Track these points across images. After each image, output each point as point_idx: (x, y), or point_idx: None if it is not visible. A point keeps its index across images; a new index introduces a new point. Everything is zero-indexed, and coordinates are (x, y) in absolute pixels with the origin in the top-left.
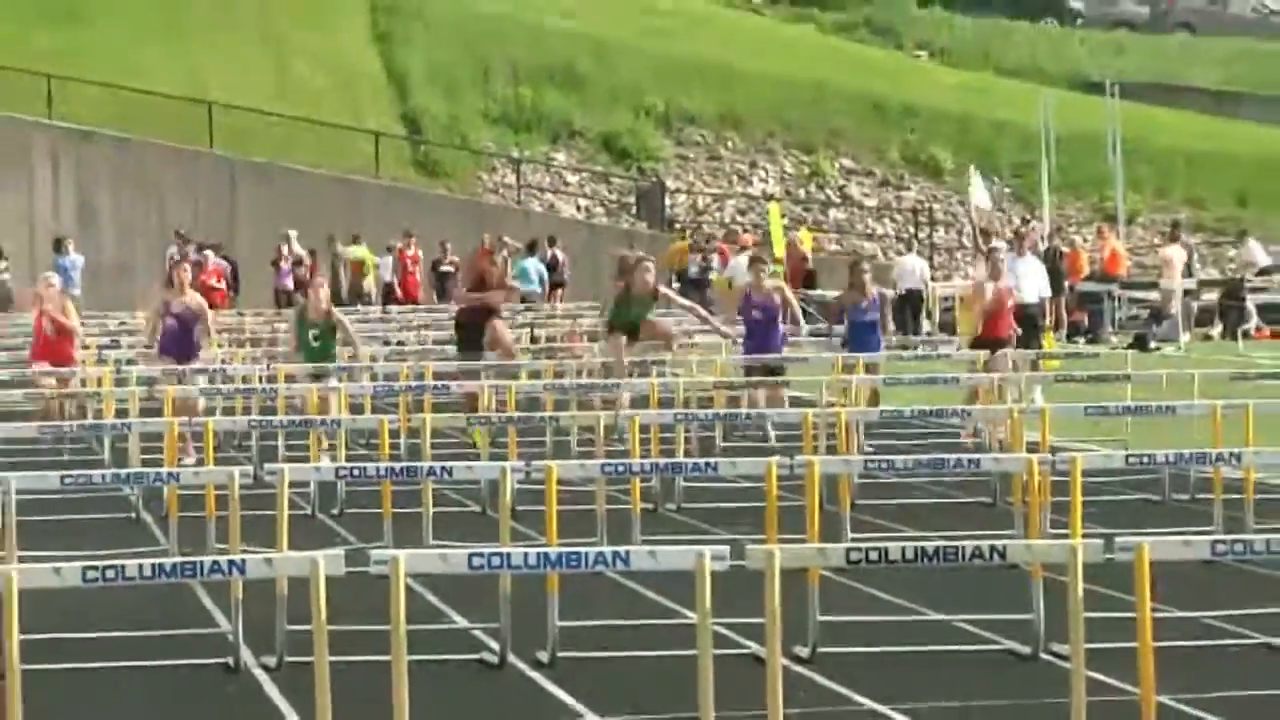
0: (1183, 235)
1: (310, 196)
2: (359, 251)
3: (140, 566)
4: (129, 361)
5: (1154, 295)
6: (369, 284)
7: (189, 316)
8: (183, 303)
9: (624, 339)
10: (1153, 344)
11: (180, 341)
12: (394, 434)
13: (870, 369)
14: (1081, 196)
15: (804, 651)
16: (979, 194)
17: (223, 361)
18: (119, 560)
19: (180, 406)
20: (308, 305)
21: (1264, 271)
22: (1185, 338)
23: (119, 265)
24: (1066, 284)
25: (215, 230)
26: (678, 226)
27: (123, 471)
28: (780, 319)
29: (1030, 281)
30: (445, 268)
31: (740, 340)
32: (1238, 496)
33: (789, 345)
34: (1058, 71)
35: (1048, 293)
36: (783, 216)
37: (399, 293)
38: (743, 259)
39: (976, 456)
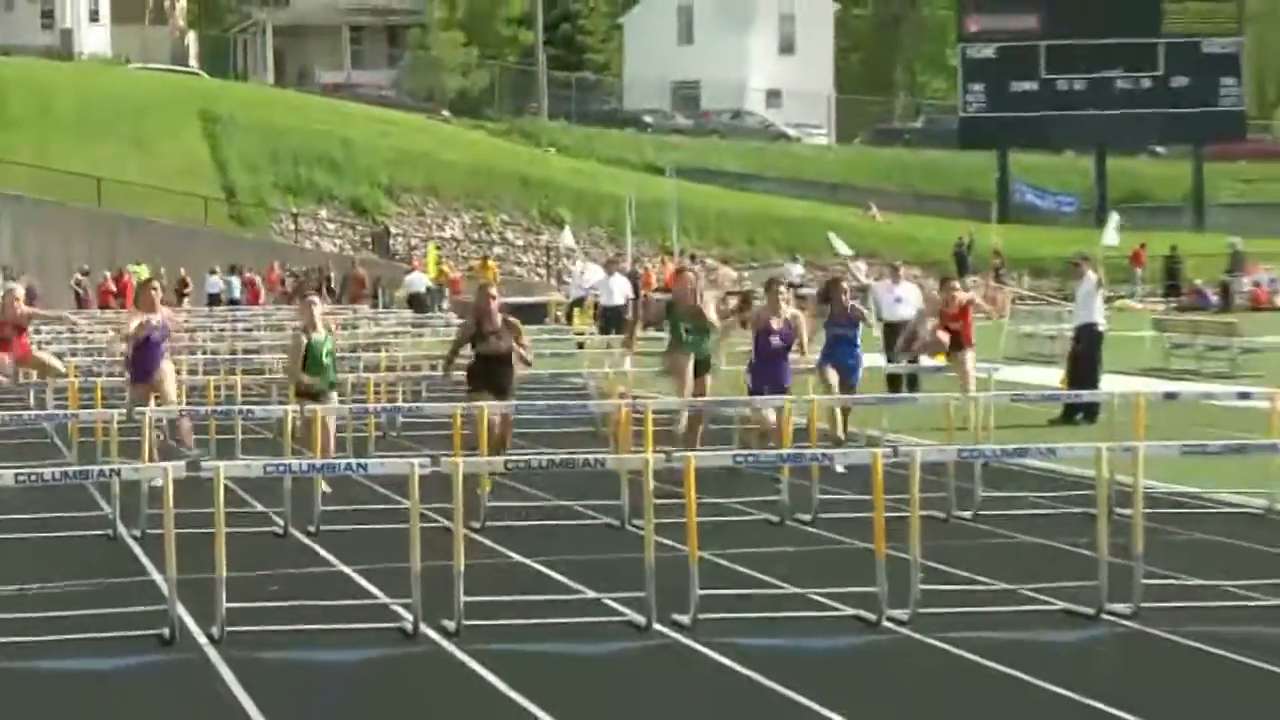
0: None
1: (162, 239)
2: (145, 271)
3: (52, 473)
4: (47, 343)
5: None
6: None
7: (166, 332)
8: (160, 319)
9: (687, 361)
10: None
11: (152, 360)
12: (216, 388)
13: None
14: (651, 239)
15: (477, 525)
16: (567, 237)
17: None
18: (38, 469)
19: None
20: (308, 325)
21: (796, 285)
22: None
23: (38, 287)
24: (643, 293)
25: (100, 261)
26: (398, 257)
27: (41, 413)
28: (792, 348)
29: (619, 290)
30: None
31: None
32: (753, 426)
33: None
34: (637, 161)
35: (632, 296)
36: (439, 252)
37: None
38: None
39: (585, 402)
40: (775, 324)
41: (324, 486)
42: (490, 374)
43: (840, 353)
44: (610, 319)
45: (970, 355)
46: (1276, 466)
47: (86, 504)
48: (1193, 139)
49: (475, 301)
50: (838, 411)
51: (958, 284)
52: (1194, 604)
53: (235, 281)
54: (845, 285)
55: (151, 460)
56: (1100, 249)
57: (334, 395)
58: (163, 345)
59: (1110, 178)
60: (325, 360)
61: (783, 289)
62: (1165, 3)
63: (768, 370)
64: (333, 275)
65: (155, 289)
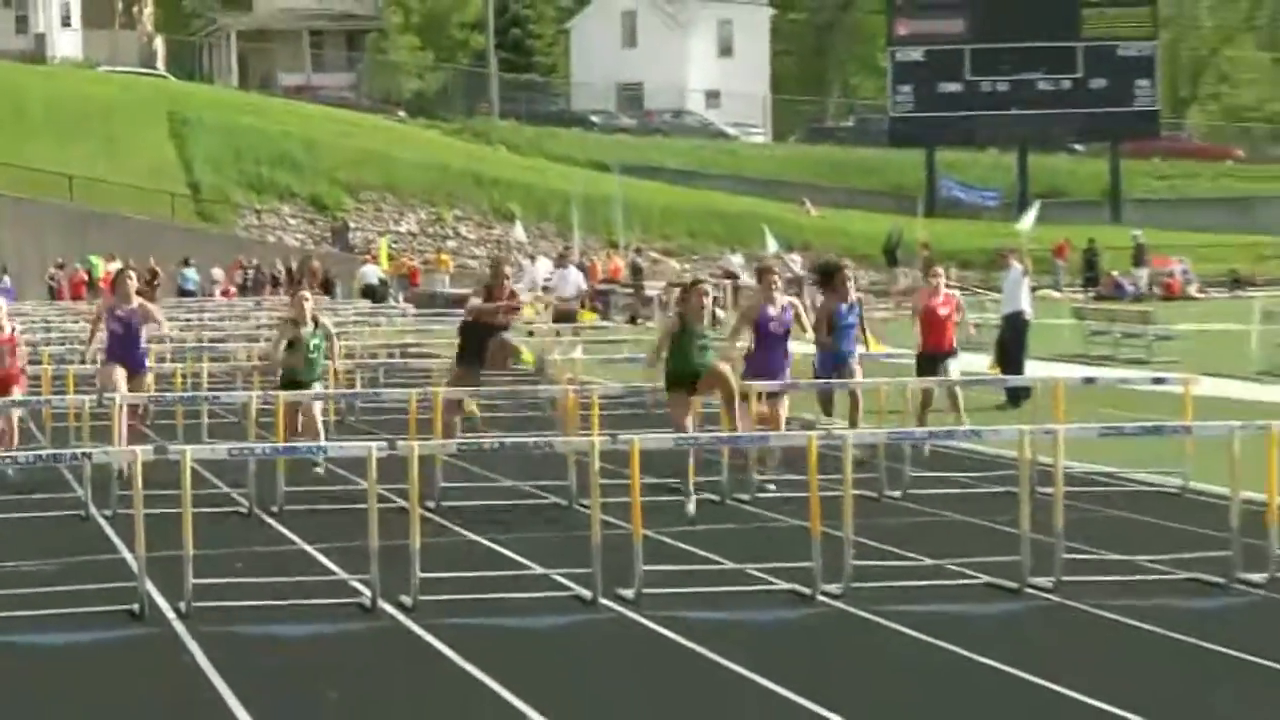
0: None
1: (132, 233)
2: (101, 263)
3: (28, 456)
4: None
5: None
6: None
7: (137, 321)
8: (129, 309)
9: (686, 395)
10: (639, 320)
11: (127, 347)
12: (184, 375)
13: None
14: (597, 233)
15: (432, 504)
16: (518, 231)
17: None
18: (15, 452)
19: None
20: (298, 318)
21: (734, 275)
22: (659, 316)
23: (16, 278)
24: (590, 284)
25: (73, 255)
26: (358, 251)
27: (15, 399)
28: (789, 335)
29: (571, 282)
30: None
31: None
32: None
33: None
34: (584, 158)
35: (584, 288)
36: (390, 246)
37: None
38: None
39: (535, 388)
40: (772, 311)
41: (280, 473)
42: (476, 343)
43: (847, 341)
44: (562, 310)
45: (955, 364)
46: (1189, 447)
47: (61, 486)
48: (1109, 137)
49: (490, 279)
50: (847, 410)
51: (940, 269)
52: (1112, 578)
53: (190, 273)
54: (848, 273)
55: (121, 444)
56: (1021, 236)
57: (317, 386)
58: (142, 339)
59: (1031, 174)
60: (311, 355)
61: (776, 277)
62: (1084, 8)
63: (766, 358)
64: (294, 267)
65: (131, 278)
